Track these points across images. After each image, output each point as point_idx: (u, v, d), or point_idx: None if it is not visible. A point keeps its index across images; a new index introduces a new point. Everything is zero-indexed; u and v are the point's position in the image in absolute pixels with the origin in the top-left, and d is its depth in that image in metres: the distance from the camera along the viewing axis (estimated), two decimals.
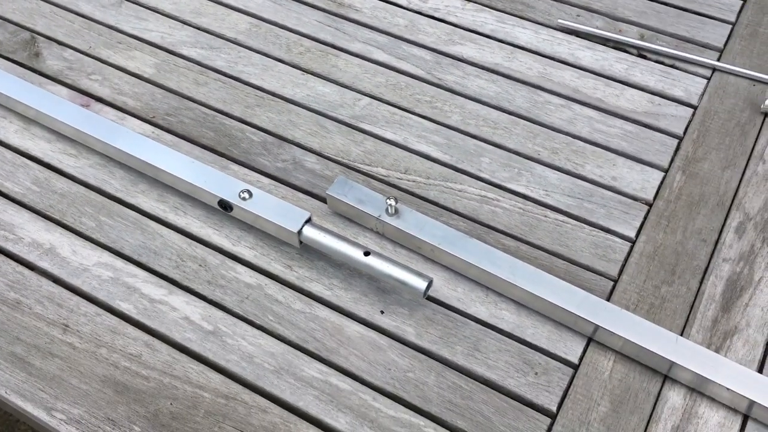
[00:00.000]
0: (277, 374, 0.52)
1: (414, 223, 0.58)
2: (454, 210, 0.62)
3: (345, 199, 0.59)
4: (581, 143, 0.67)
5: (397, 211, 0.58)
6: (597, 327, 0.52)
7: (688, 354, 0.50)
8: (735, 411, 0.51)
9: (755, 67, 0.74)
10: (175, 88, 0.72)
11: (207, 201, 0.60)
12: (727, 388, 0.49)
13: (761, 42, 0.77)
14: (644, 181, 0.64)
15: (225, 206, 0.59)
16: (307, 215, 0.57)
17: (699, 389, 0.51)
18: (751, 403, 0.49)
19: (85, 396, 0.51)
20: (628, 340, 0.51)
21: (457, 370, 0.53)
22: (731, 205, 0.63)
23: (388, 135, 0.68)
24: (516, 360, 0.53)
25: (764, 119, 0.70)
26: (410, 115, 0.70)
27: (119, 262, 0.58)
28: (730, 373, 0.49)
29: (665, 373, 0.52)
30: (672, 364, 0.50)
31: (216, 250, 0.59)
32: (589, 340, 0.54)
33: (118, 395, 0.51)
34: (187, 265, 0.58)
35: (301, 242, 0.57)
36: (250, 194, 0.59)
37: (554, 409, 0.51)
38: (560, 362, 0.53)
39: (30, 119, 0.68)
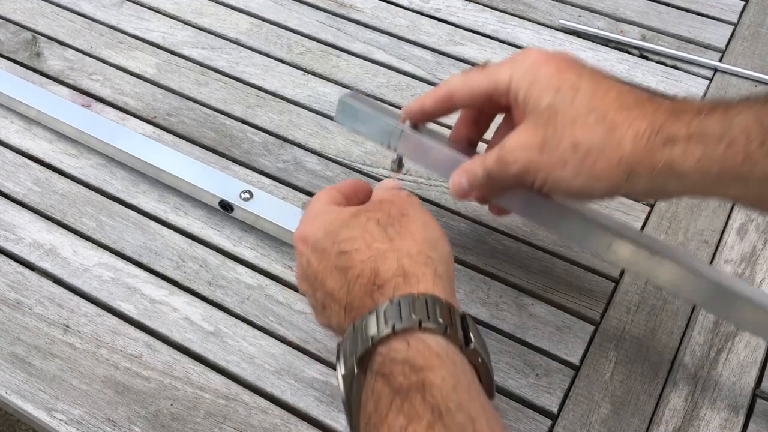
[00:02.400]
0: (277, 375, 0.52)
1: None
2: (455, 211, 0.62)
3: (360, 105, 0.54)
4: None
5: (417, 127, 0.53)
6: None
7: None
8: (737, 411, 0.51)
9: (757, 67, 0.74)
10: (176, 88, 0.72)
11: (208, 201, 0.60)
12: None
13: (763, 43, 0.77)
14: None
15: (226, 207, 0.59)
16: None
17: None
18: None
19: (85, 396, 0.51)
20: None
21: None
22: (733, 206, 0.63)
23: None
24: (517, 361, 0.53)
25: None
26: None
27: (120, 263, 0.58)
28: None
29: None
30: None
31: (217, 251, 0.59)
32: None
33: (119, 396, 0.51)
34: (188, 265, 0.58)
35: None
36: (251, 195, 0.59)
37: (555, 410, 0.51)
38: (561, 363, 0.53)
39: (31, 119, 0.68)
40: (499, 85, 0.45)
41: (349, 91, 0.54)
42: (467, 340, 0.37)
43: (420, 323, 0.35)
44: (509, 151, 0.44)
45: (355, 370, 0.37)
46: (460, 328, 0.37)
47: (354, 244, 0.40)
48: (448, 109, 0.50)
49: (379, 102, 0.55)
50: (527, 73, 0.44)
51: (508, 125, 0.49)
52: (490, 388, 0.38)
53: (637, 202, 0.63)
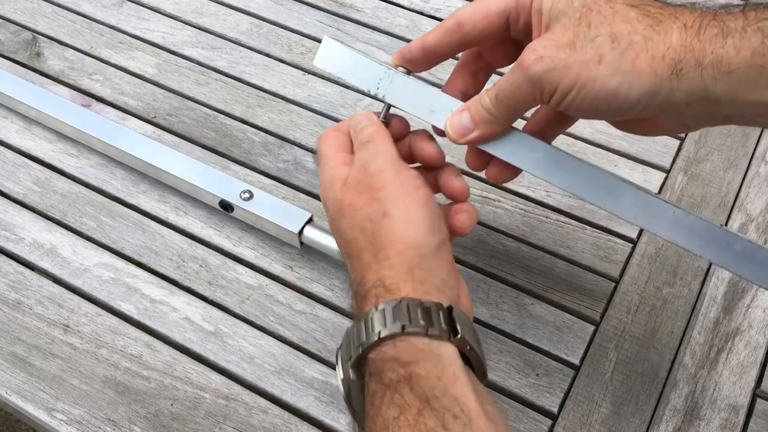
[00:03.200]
0: (277, 375, 0.52)
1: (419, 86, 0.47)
2: None
3: (348, 48, 0.48)
4: (582, 144, 0.67)
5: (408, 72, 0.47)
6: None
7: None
8: (737, 411, 0.51)
9: None
10: (177, 88, 0.72)
11: (208, 201, 0.60)
12: None
13: None
14: (646, 182, 0.64)
15: (226, 207, 0.59)
16: (308, 215, 0.57)
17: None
18: None
19: (85, 396, 0.51)
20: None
21: None
22: (733, 206, 0.63)
23: None
24: (517, 361, 0.53)
25: None
26: (411, 116, 0.69)
27: (120, 263, 0.58)
28: None
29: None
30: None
31: (217, 251, 0.59)
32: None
33: (119, 396, 0.51)
34: (188, 265, 0.58)
35: (302, 243, 0.57)
36: (251, 195, 0.59)
37: (555, 410, 0.51)
38: (561, 363, 0.53)
39: (31, 119, 0.68)
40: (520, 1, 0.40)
41: (330, 37, 0.50)
42: (455, 332, 0.37)
43: (403, 328, 0.36)
44: (531, 50, 0.38)
45: (351, 375, 0.38)
46: (443, 323, 0.37)
47: (350, 249, 0.42)
48: (455, 44, 0.44)
49: (364, 51, 0.50)
50: None
51: None
52: (482, 370, 0.39)
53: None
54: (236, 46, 0.76)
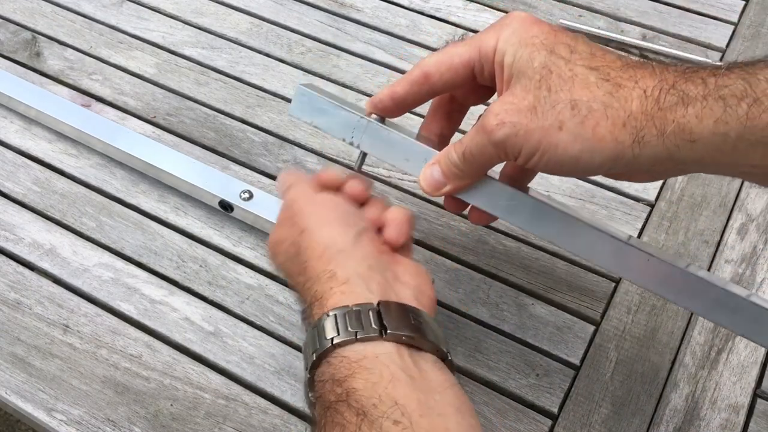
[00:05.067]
0: (277, 375, 0.52)
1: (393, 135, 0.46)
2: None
3: (322, 94, 0.49)
4: None
5: (382, 119, 0.47)
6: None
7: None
8: (737, 411, 0.51)
9: None
10: (176, 88, 0.72)
11: (208, 201, 0.60)
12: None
13: (763, 43, 0.77)
14: (647, 184, 0.64)
15: (226, 207, 0.59)
16: None
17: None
18: None
19: (85, 397, 0.51)
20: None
21: (458, 371, 0.53)
22: (733, 206, 0.63)
23: None
24: (517, 361, 0.53)
25: None
26: (411, 116, 0.69)
27: (120, 263, 0.58)
28: None
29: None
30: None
31: (217, 251, 0.59)
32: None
33: (119, 396, 0.51)
34: (188, 265, 0.58)
35: None
36: (251, 195, 0.58)
37: (555, 410, 0.51)
38: (562, 363, 0.53)
39: (31, 119, 0.68)
40: (483, 49, 0.40)
41: (303, 84, 0.50)
42: (385, 329, 0.37)
43: (332, 341, 0.37)
44: (493, 115, 0.38)
45: (312, 399, 0.39)
46: (374, 323, 0.37)
47: (293, 281, 0.43)
48: (423, 94, 0.44)
49: (338, 96, 0.50)
50: (516, 33, 0.39)
51: None
52: (439, 353, 0.39)
53: (638, 202, 0.63)
54: (236, 45, 0.76)
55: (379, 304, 0.38)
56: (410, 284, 0.42)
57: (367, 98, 0.70)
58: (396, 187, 0.64)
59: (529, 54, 0.38)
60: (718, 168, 0.37)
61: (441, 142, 0.48)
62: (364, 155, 0.49)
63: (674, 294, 0.43)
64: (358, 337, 0.37)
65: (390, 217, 0.45)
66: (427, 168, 0.44)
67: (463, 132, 0.44)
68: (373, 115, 0.47)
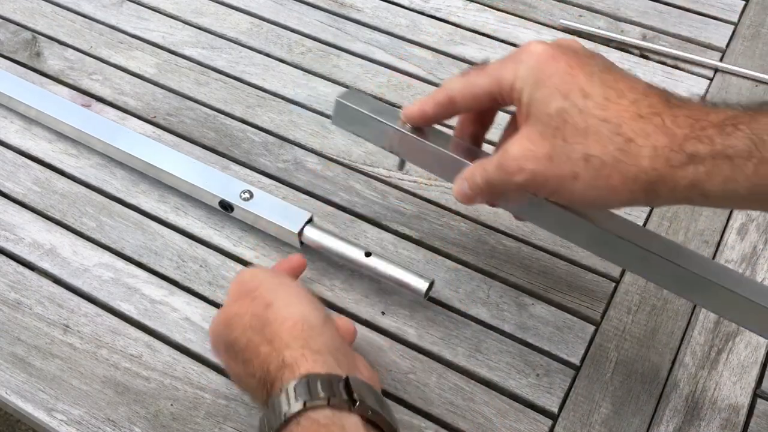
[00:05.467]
0: None
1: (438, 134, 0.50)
2: (456, 211, 0.62)
3: (358, 107, 0.52)
4: None
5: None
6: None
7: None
8: (737, 411, 0.51)
9: (757, 67, 0.74)
10: (176, 88, 0.72)
11: (208, 201, 0.60)
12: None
13: (764, 42, 0.77)
14: None
15: (226, 207, 0.59)
16: (308, 216, 0.57)
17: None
18: None
19: (85, 397, 0.51)
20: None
21: (458, 372, 0.53)
22: None
23: None
24: (517, 361, 0.53)
25: None
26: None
27: (120, 263, 0.58)
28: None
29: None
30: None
31: (217, 251, 0.59)
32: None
33: (119, 396, 0.51)
34: (188, 265, 0.58)
35: (302, 243, 0.57)
36: (251, 195, 0.58)
37: (556, 410, 0.51)
38: (562, 363, 0.53)
39: (31, 119, 0.68)
40: (502, 84, 0.42)
41: (345, 90, 0.52)
42: (353, 401, 0.39)
43: (305, 404, 0.38)
44: (513, 159, 0.41)
45: None
46: (343, 393, 0.39)
47: (247, 353, 0.43)
48: (449, 114, 0.48)
49: (376, 100, 0.53)
50: (532, 72, 0.41)
51: (515, 126, 0.46)
52: (393, 430, 0.40)
53: None
54: (236, 45, 0.76)
55: (347, 378, 0.40)
56: (365, 375, 0.44)
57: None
58: (396, 186, 0.64)
59: (544, 98, 0.40)
60: (735, 209, 0.39)
61: (475, 142, 0.51)
62: (403, 161, 0.54)
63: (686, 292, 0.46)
64: (330, 402, 0.38)
65: (341, 324, 0.49)
66: (457, 183, 0.47)
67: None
68: (408, 125, 0.50)
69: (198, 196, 0.61)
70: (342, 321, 0.50)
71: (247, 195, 0.59)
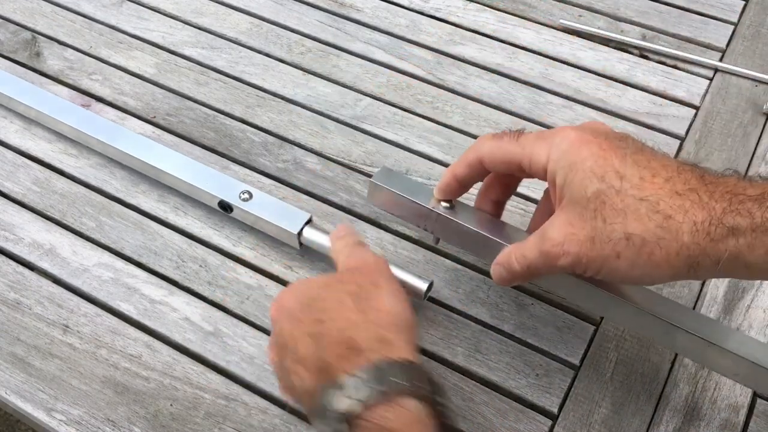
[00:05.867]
0: None
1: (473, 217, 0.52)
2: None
3: (392, 188, 0.53)
4: None
5: (451, 205, 0.52)
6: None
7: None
8: (737, 411, 0.51)
9: (757, 67, 0.74)
10: (176, 88, 0.72)
11: (207, 202, 0.60)
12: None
13: (763, 42, 0.77)
14: None
15: (225, 207, 0.59)
16: (307, 216, 0.57)
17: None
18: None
19: (85, 397, 0.51)
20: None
21: (457, 371, 0.53)
22: None
23: (390, 135, 0.68)
24: (517, 361, 0.53)
25: (766, 120, 0.70)
26: (411, 116, 0.69)
27: (119, 263, 0.58)
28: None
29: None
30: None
31: (216, 251, 0.59)
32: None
33: (118, 396, 0.51)
34: (188, 265, 0.58)
35: (301, 244, 0.57)
36: (251, 195, 0.58)
37: (555, 410, 0.51)
38: (561, 363, 0.53)
39: (31, 119, 0.68)
40: (533, 160, 0.43)
41: (378, 169, 0.54)
42: (435, 400, 0.39)
43: (398, 386, 0.38)
44: (556, 245, 0.42)
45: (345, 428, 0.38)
46: (429, 386, 0.39)
47: (329, 314, 0.42)
48: (480, 175, 0.49)
49: (409, 178, 0.54)
50: (566, 155, 0.42)
51: (548, 204, 0.47)
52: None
53: None
54: (236, 46, 0.76)
55: (430, 377, 0.40)
56: None
57: (369, 99, 0.71)
58: None
59: (580, 181, 0.41)
60: None
61: (495, 209, 0.52)
62: (437, 239, 0.56)
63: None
64: (421, 394, 0.39)
65: None
66: (495, 269, 0.48)
67: None
68: (442, 204, 0.51)
69: (197, 196, 0.61)
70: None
71: (246, 195, 0.58)
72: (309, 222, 0.57)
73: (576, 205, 0.41)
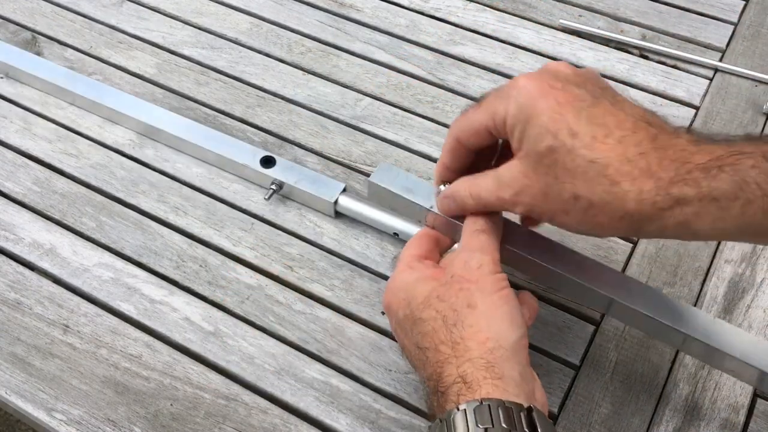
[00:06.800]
0: (277, 375, 0.52)
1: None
2: None
3: (391, 187, 0.53)
4: None
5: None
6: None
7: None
8: (737, 411, 0.51)
9: (757, 67, 0.74)
10: (176, 88, 0.72)
11: (248, 162, 0.62)
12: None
13: (763, 43, 0.77)
14: None
15: (269, 161, 0.62)
16: (342, 186, 0.60)
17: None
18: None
19: (85, 396, 0.51)
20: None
21: None
22: None
23: (390, 135, 0.68)
24: None
25: (766, 120, 0.70)
26: (411, 116, 0.70)
27: (120, 263, 0.58)
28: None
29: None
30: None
31: (216, 251, 0.59)
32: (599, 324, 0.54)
33: (119, 396, 0.51)
34: (188, 265, 0.58)
35: (336, 212, 0.60)
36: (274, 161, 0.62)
37: (555, 410, 0.51)
38: (561, 363, 0.53)
39: (30, 121, 0.68)
40: (495, 119, 0.43)
41: (377, 167, 0.55)
42: None
43: (486, 431, 0.37)
44: (513, 194, 0.43)
45: None
46: (525, 426, 0.38)
47: (425, 342, 0.43)
48: (465, 156, 0.48)
49: (408, 175, 0.54)
50: (523, 109, 0.41)
51: (506, 151, 0.47)
52: None
53: None
54: (236, 45, 0.76)
55: (530, 409, 0.39)
56: (540, 400, 0.43)
57: (369, 99, 0.71)
58: None
59: (535, 136, 0.41)
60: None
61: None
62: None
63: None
64: None
65: (525, 300, 0.48)
66: (443, 200, 0.49)
67: None
68: (442, 186, 0.50)
69: (237, 157, 0.62)
70: (525, 297, 0.48)
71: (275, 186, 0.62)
72: (344, 191, 0.60)
73: (531, 158, 0.42)
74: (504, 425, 0.37)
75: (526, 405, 0.39)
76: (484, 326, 0.42)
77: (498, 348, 0.41)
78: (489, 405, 0.38)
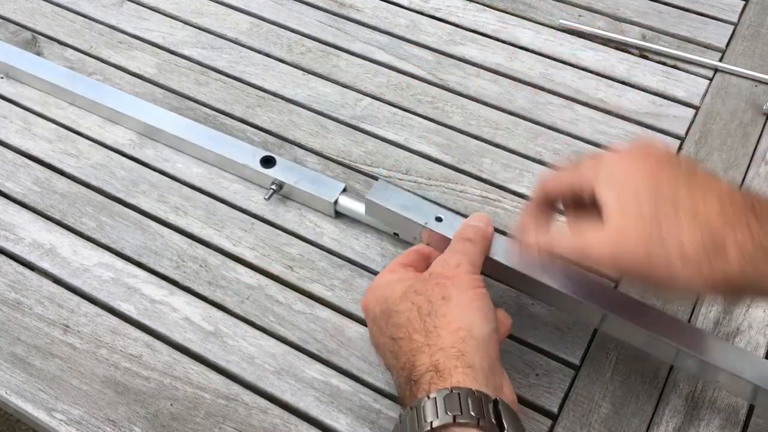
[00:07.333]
0: (277, 375, 0.52)
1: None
2: (456, 211, 0.62)
3: (388, 205, 0.55)
4: (583, 144, 0.67)
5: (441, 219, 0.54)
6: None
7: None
8: (737, 411, 0.51)
9: (757, 67, 0.74)
10: (177, 88, 0.72)
11: (248, 161, 0.62)
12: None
13: (763, 43, 0.77)
14: None
15: (269, 160, 0.61)
16: (342, 186, 0.60)
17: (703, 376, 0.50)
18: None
19: (85, 396, 0.51)
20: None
21: None
22: None
23: (390, 135, 0.68)
24: (517, 361, 0.53)
25: (766, 120, 0.70)
26: (411, 116, 0.70)
27: (120, 263, 0.58)
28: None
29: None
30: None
31: (216, 251, 0.59)
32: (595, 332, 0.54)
33: (119, 396, 0.51)
34: (188, 265, 0.58)
35: (337, 212, 0.60)
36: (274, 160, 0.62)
37: (555, 410, 0.51)
38: (561, 363, 0.53)
39: (30, 121, 0.68)
40: (582, 181, 0.44)
41: (374, 185, 0.56)
42: (501, 427, 0.39)
43: (455, 418, 0.38)
44: (605, 256, 0.42)
45: None
46: (492, 416, 0.39)
47: (400, 332, 0.44)
48: (549, 208, 0.48)
49: (405, 192, 0.55)
50: (615, 179, 0.42)
51: (588, 212, 0.46)
52: None
53: None
54: (236, 46, 0.76)
55: (496, 400, 0.40)
56: (508, 396, 0.43)
57: (369, 99, 0.71)
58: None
59: (635, 206, 0.40)
60: None
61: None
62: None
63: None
64: (480, 424, 0.38)
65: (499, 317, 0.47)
66: (527, 249, 0.47)
67: None
68: (433, 219, 0.53)
69: (238, 157, 0.62)
70: (501, 314, 0.48)
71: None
72: (344, 191, 0.60)
73: (627, 221, 0.41)
74: (472, 413, 0.38)
75: (492, 397, 0.40)
76: (457, 316, 0.43)
77: (469, 338, 0.42)
78: (459, 393, 0.38)
